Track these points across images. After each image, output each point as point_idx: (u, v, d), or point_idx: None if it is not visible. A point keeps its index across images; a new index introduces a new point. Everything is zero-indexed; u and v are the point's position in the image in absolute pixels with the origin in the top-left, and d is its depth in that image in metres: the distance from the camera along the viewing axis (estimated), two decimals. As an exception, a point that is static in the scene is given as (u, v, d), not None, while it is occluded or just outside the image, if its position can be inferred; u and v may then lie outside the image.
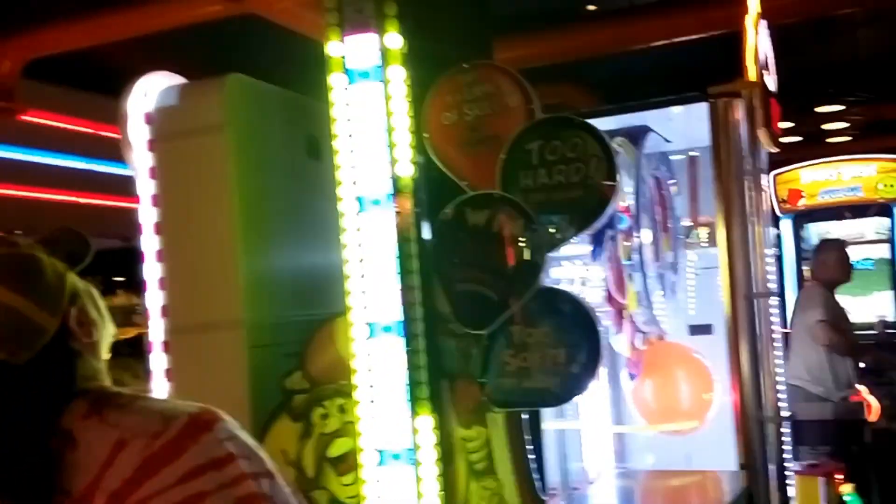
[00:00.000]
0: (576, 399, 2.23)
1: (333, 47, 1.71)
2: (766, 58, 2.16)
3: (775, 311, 1.94)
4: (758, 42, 1.96)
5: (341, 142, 1.74)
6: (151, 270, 2.05)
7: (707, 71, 2.19)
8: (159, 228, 2.05)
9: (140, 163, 2.05)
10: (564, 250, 1.76)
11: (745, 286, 1.92)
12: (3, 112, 3.90)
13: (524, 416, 1.75)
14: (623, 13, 4.04)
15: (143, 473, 0.85)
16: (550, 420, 2.35)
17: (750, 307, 1.92)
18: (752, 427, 1.90)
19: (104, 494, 0.84)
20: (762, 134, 1.95)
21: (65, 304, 0.93)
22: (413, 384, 1.72)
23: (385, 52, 1.69)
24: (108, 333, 1.01)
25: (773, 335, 1.93)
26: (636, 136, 2.26)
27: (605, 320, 1.96)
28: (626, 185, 1.92)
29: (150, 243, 2.05)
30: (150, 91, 2.05)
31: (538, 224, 1.63)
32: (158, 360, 2.04)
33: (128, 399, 0.93)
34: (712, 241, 2.75)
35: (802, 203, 5.97)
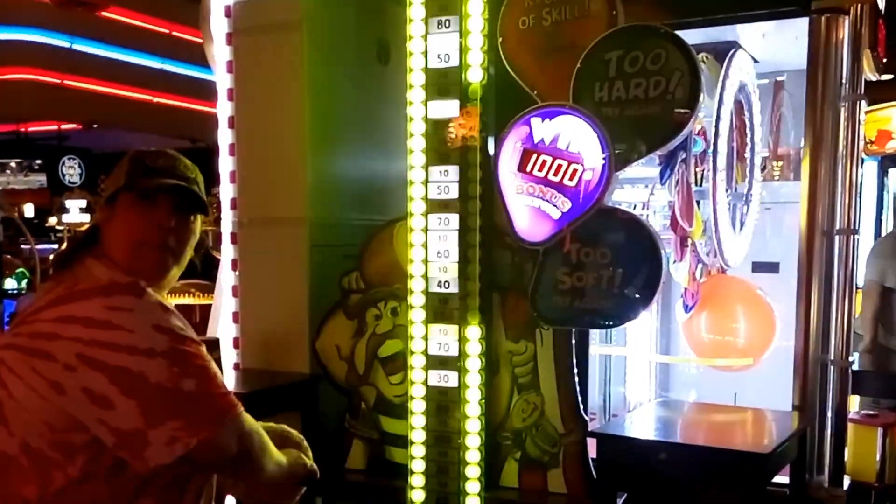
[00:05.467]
0: (625, 325, 2.24)
1: (414, -60, 1.66)
2: None
3: (854, 252, 1.79)
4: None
5: (414, 44, 1.71)
6: (224, 164, 2.11)
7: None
8: (233, 122, 2.11)
9: (219, 56, 2.08)
10: (631, 171, 1.69)
11: (825, 223, 1.77)
12: (87, 7, 4.00)
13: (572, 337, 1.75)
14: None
15: (47, 304, 1.02)
16: (597, 345, 2.36)
17: (829, 244, 1.78)
18: (813, 369, 1.81)
19: (24, 315, 1.04)
20: (867, 57, 1.74)
21: (171, 206, 1.13)
22: (464, 294, 1.77)
23: (466, -53, 1.62)
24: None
25: (849, 277, 1.80)
26: (723, 53, 2.05)
27: (667, 247, 1.89)
28: (705, 105, 1.78)
29: (223, 137, 2.11)
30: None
31: (608, 140, 1.56)
32: (227, 250, 2.14)
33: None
34: (787, 175, 2.59)
35: (892, 146, 5.43)
